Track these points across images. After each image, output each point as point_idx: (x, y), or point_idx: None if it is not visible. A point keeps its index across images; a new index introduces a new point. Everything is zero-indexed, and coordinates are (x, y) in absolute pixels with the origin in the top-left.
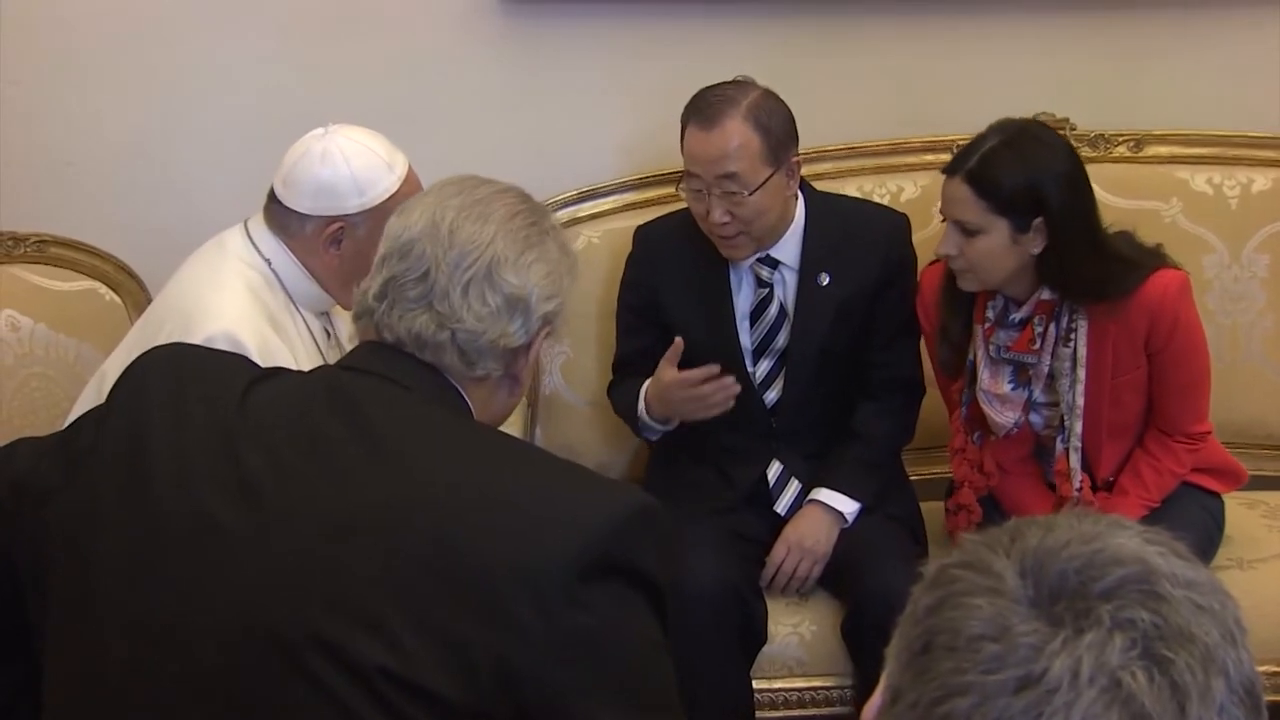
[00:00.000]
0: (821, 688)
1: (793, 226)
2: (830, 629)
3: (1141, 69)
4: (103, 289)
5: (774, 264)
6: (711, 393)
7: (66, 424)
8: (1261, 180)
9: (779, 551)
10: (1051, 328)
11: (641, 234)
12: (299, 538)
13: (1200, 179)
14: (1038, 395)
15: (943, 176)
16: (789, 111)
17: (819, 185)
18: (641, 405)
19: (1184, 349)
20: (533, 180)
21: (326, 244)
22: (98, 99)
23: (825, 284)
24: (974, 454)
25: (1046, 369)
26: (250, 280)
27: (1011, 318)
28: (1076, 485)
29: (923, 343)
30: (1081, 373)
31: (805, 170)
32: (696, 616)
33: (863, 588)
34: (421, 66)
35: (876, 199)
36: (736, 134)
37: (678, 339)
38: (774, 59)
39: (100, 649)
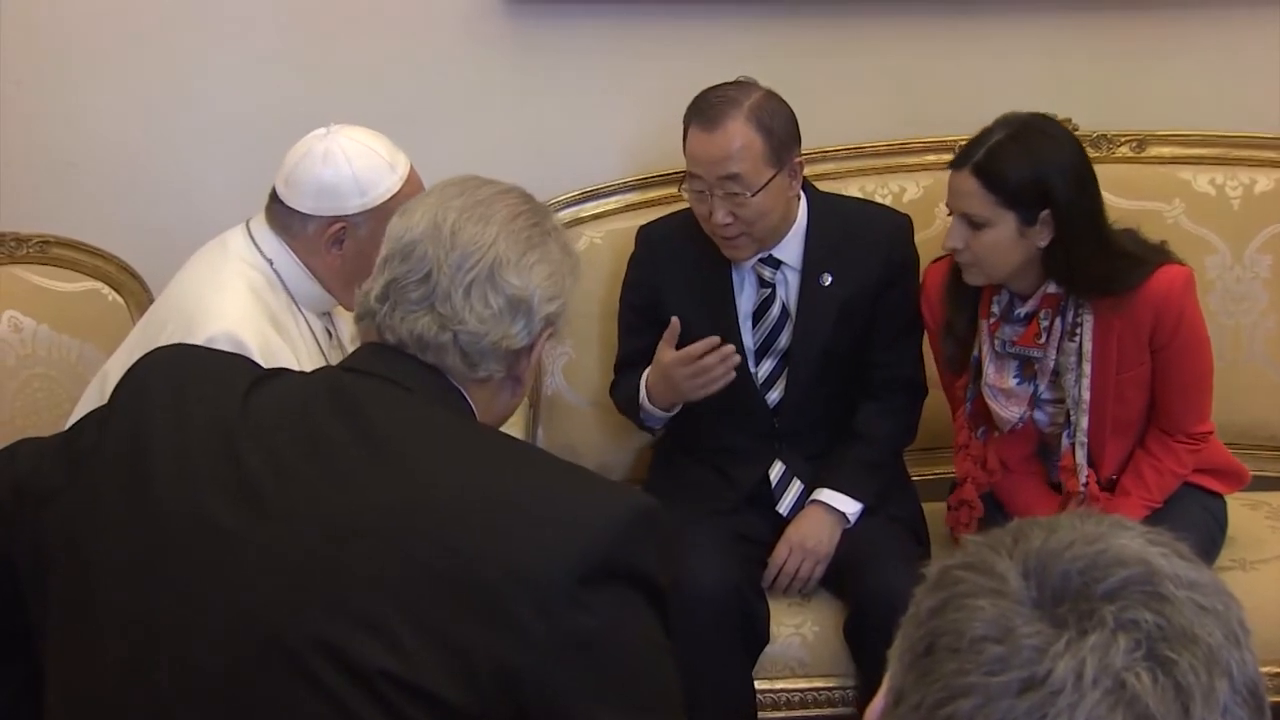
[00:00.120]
0: (823, 688)
1: (795, 227)
2: (832, 630)
3: (1144, 69)
4: (105, 289)
5: (776, 264)
6: (713, 365)
7: (69, 425)
8: (1264, 181)
9: (781, 552)
10: (1057, 322)
11: (644, 234)
12: (300, 539)
13: (1203, 179)
14: (1043, 391)
15: (945, 176)
16: (791, 112)
17: (821, 186)
18: (643, 393)
19: (1188, 345)
20: (535, 180)
21: (328, 244)
22: (99, 99)
23: (827, 284)
24: (977, 450)
25: (1052, 364)
26: (252, 281)
27: (1017, 312)
28: (1083, 481)
29: (926, 343)
30: (1087, 367)
31: (807, 171)
32: (699, 617)
33: (865, 588)
34: (424, 67)
35: (879, 199)
36: (739, 135)
37: (674, 319)
38: (776, 59)
39: (100, 650)
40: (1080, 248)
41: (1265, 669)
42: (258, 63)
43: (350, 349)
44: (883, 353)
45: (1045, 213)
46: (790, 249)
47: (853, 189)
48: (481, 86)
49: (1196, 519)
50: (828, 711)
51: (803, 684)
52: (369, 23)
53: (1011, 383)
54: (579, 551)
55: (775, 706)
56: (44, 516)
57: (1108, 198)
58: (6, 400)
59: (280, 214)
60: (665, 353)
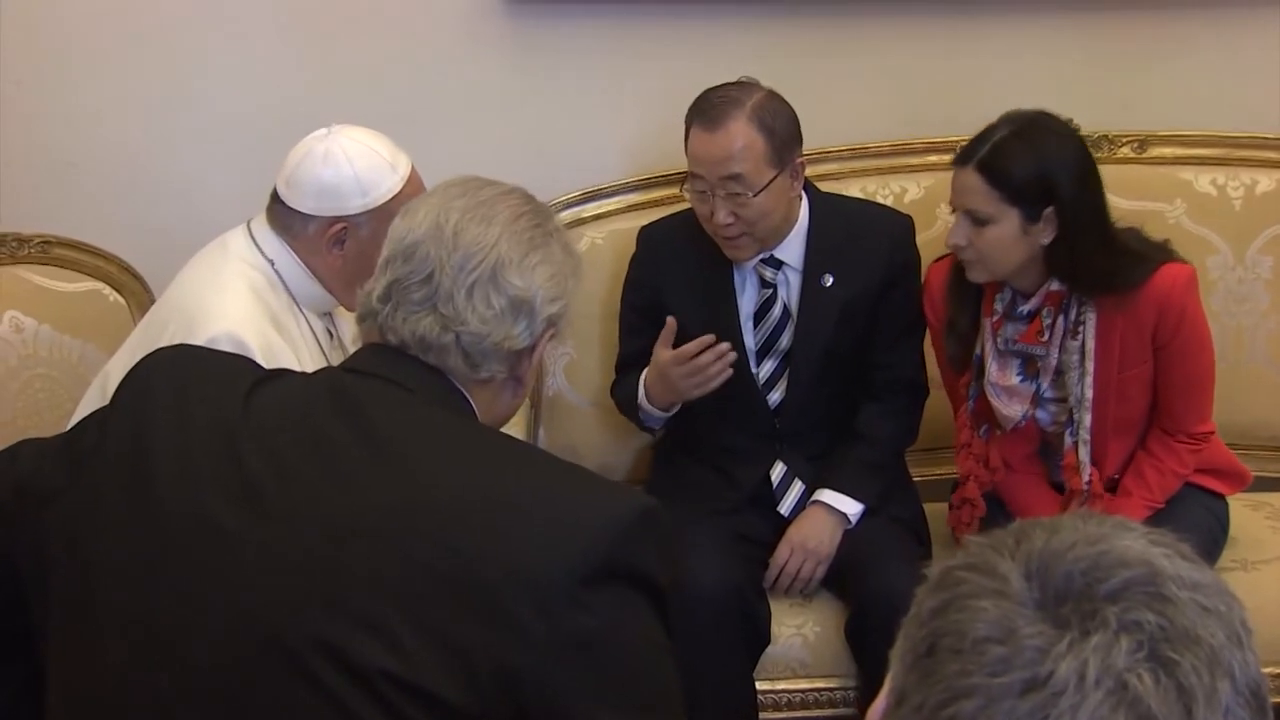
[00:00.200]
0: (825, 689)
1: (797, 227)
2: (834, 630)
3: (1144, 69)
4: (106, 290)
5: (778, 265)
6: (709, 363)
7: (70, 425)
8: (1266, 181)
9: (782, 552)
10: (1060, 320)
11: (645, 234)
12: (301, 539)
13: (1204, 180)
14: (1045, 389)
15: (946, 176)
16: (793, 112)
17: (823, 186)
18: (641, 392)
19: (1190, 343)
20: (536, 181)
21: (329, 244)
22: (99, 99)
23: (829, 285)
24: (980, 448)
25: (1054, 361)
26: (253, 281)
27: (1020, 310)
28: (1086, 479)
29: (928, 344)
30: (1090, 365)
31: (809, 171)
32: (700, 617)
33: (866, 589)
34: (425, 67)
35: (880, 200)
36: (740, 135)
37: (670, 319)
38: (778, 60)
39: (101, 650)
40: (1083, 245)
41: (1267, 670)
42: (258, 63)
43: (352, 349)
44: (884, 353)
45: (1049, 210)
46: (792, 249)
47: (854, 189)
48: (481, 86)
49: (1198, 519)
50: (829, 712)
51: (804, 685)
52: (369, 23)
53: (1014, 380)
54: (580, 552)
55: (776, 707)
56: (45, 517)
57: (1109, 198)
58: (8, 401)
59: (281, 214)
60: (662, 352)
